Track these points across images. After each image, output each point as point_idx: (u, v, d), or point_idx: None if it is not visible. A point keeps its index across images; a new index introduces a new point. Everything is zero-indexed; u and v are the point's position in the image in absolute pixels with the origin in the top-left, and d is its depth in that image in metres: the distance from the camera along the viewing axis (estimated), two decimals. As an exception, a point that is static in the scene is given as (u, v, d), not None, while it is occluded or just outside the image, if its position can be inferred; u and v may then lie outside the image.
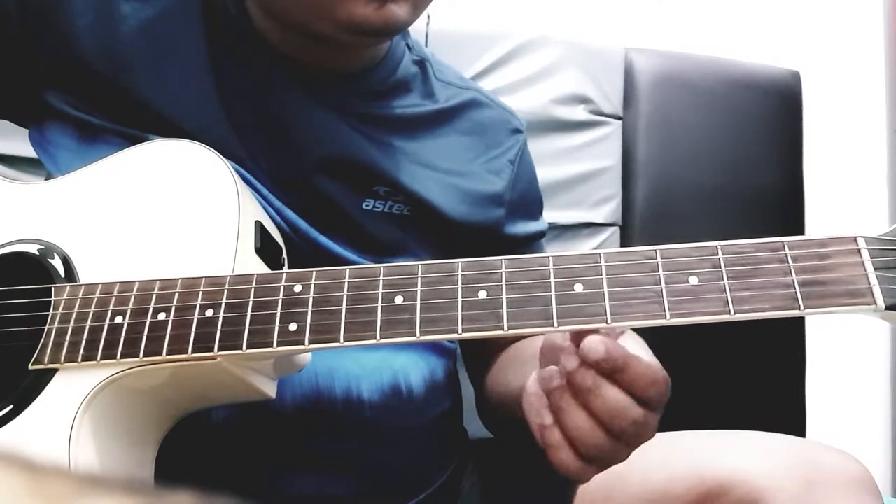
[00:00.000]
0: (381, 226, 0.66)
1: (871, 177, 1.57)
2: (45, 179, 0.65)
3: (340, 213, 0.65)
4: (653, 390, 0.43)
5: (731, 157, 1.25)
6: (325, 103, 0.65)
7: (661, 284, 0.44)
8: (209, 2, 0.65)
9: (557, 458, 0.45)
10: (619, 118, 1.24)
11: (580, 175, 1.21)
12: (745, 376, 1.20)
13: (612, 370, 0.42)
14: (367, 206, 0.66)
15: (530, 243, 0.77)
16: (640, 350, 0.46)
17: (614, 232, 1.21)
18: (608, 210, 1.21)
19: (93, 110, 0.62)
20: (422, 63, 0.74)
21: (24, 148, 0.67)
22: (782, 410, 1.22)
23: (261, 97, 0.64)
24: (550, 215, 0.82)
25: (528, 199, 0.77)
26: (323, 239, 0.63)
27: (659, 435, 0.52)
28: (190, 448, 0.54)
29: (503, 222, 0.73)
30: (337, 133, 0.65)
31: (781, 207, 1.27)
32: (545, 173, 1.11)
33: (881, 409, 1.54)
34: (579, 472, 0.45)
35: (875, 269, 0.43)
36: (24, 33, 0.63)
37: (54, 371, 0.48)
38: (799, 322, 1.24)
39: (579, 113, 1.22)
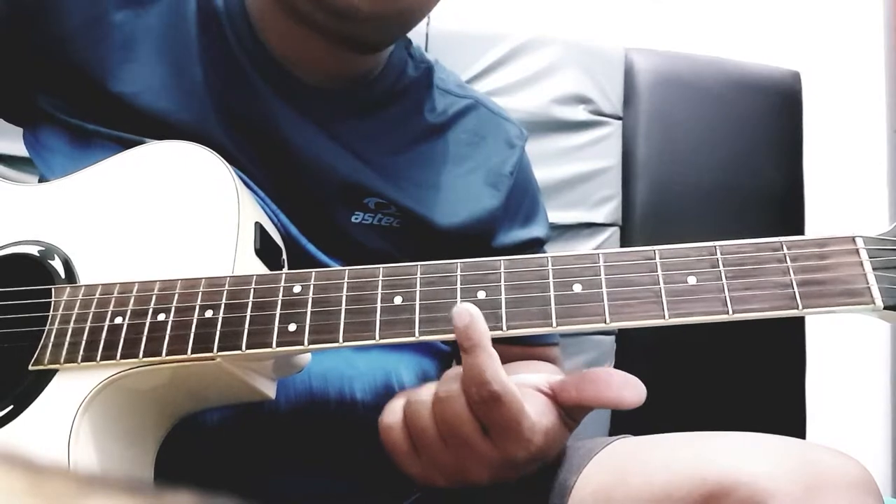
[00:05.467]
0: (368, 238, 0.66)
1: (871, 177, 1.57)
2: (39, 182, 0.65)
3: (329, 224, 0.65)
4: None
5: (731, 157, 1.25)
6: (317, 118, 0.65)
7: (659, 284, 0.44)
8: (206, 12, 0.65)
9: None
10: (619, 118, 1.24)
11: (580, 175, 1.21)
12: (744, 376, 1.20)
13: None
14: (356, 219, 0.66)
15: (524, 251, 0.74)
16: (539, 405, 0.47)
17: (614, 232, 1.21)
18: (608, 210, 1.21)
19: (86, 116, 0.62)
20: (425, 70, 0.73)
21: (24, 148, 0.67)
22: (782, 411, 1.22)
23: (254, 111, 0.64)
24: (550, 215, 0.81)
25: (524, 208, 0.76)
26: (311, 247, 0.63)
27: (661, 435, 0.52)
28: (184, 451, 0.53)
29: (496, 233, 0.72)
30: (326, 151, 0.65)
31: (781, 207, 1.27)
32: (545, 173, 1.11)
33: (881, 410, 1.53)
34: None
35: (873, 268, 0.43)
36: (15, 36, 0.62)
37: (54, 371, 0.48)
38: (799, 322, 1.24)
39: (579, 113, 1.22)
